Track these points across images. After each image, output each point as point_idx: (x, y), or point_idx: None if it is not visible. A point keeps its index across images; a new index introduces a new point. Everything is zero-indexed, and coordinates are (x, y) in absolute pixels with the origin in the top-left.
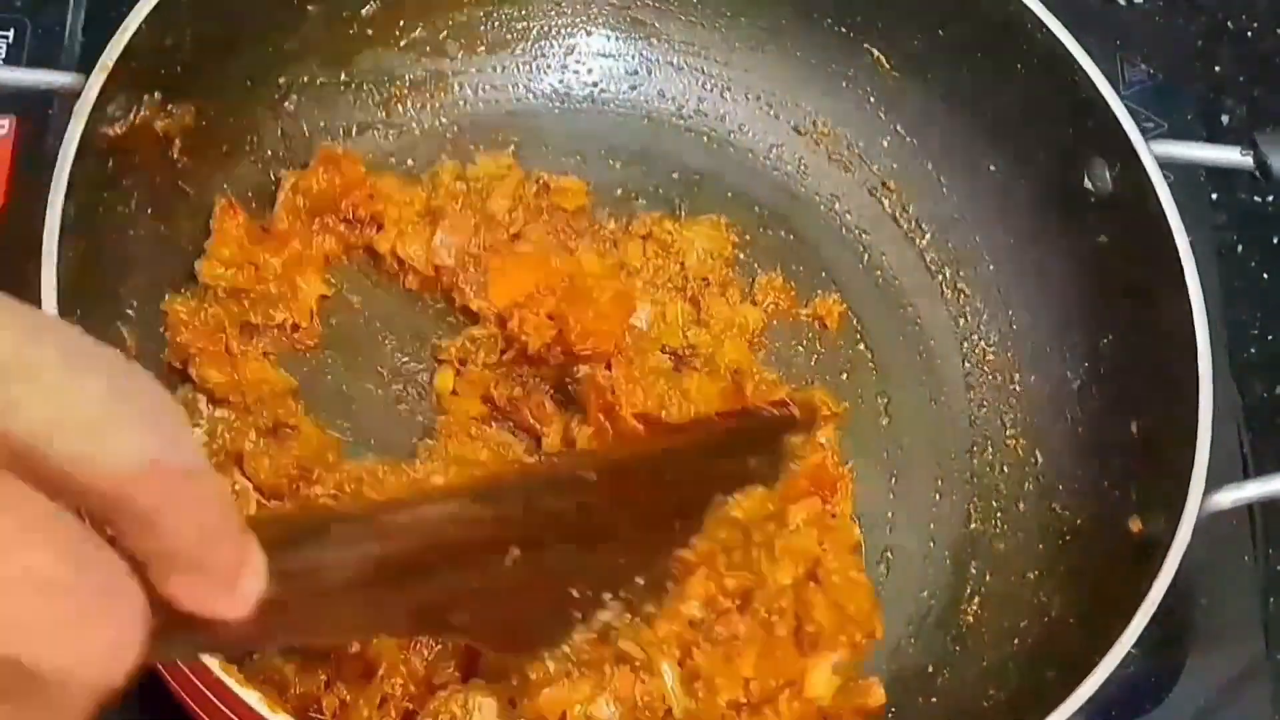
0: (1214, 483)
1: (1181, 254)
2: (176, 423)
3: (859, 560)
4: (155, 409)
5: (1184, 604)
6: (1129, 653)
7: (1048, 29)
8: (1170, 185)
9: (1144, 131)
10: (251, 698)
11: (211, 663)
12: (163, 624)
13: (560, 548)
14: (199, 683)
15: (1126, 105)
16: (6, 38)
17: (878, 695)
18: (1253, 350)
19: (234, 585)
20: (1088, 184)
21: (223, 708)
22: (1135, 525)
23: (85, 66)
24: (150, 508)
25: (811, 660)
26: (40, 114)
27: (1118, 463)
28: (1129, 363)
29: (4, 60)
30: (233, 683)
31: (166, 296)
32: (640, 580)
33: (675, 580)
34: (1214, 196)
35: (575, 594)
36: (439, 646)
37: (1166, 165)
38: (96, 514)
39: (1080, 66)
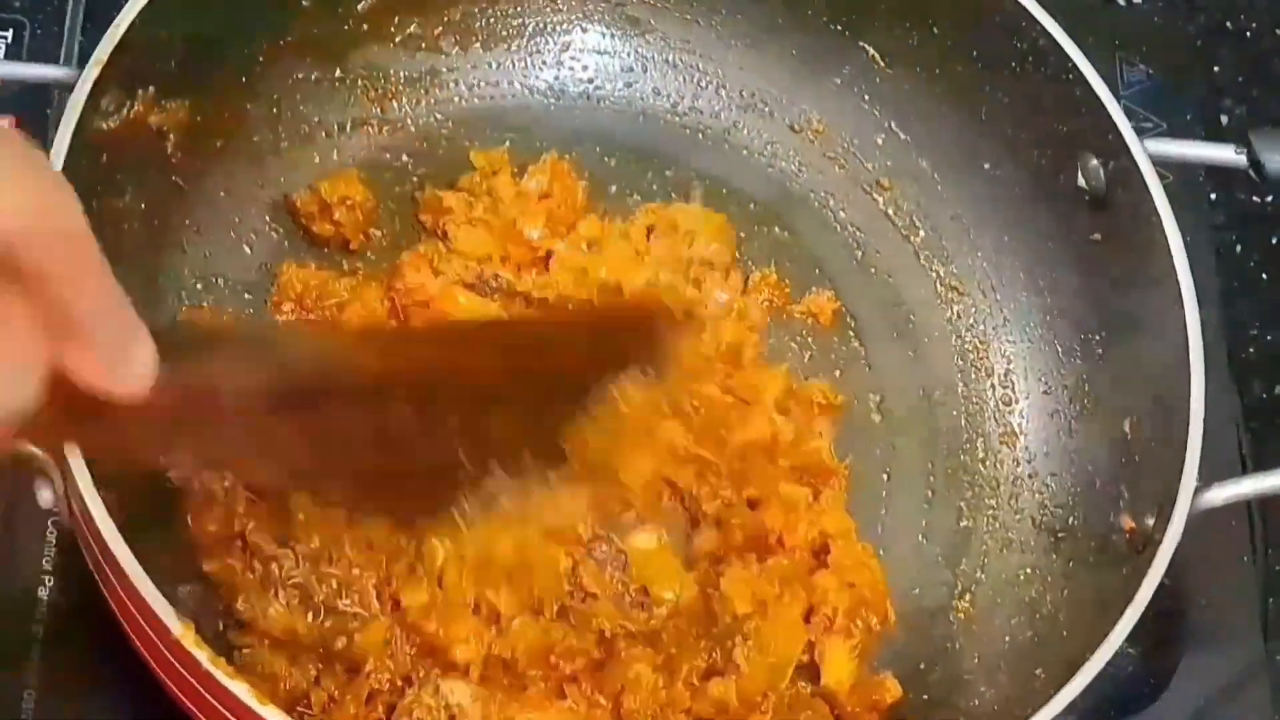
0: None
1: (1174, 251)
2: (57, 186)
3: (867, 546)
4: (32, 170)
5: (1181, 603)
6: (1127, 652)
7: (1041, 26)
8: (1168, 185)
9: (1142, 132)
10: (241, 690)
11: (201, 655)
12: (63, 400)
13: (448, 410)
14: (190, 676)
15: (1125, 106)
16: (5, 37)
17: (894, 690)
18: (1252, 350)
19: (124, 361)
20: (1082, 182)
21: (213, 702)
22: (1127, 523)
23: (84, 66)
24: (35, 268)
25: (829, 643)
26: (40, 114)
27: (1110, 460)
28: (1121, 360)
29: (3, 59)
30: (222, 675)
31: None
32: (528, 453)
33: (564, 460)
34: (1213, 197)
35: (464, 458)
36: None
37: (1163, 165)
38: None
39: (1074, 64)
